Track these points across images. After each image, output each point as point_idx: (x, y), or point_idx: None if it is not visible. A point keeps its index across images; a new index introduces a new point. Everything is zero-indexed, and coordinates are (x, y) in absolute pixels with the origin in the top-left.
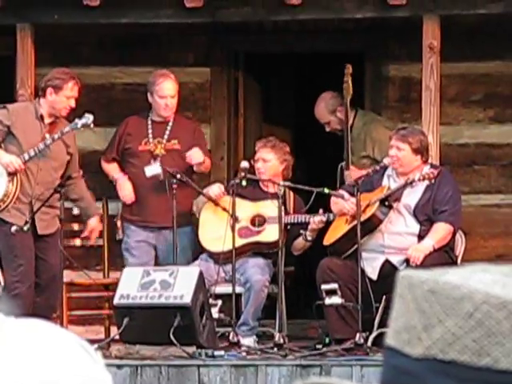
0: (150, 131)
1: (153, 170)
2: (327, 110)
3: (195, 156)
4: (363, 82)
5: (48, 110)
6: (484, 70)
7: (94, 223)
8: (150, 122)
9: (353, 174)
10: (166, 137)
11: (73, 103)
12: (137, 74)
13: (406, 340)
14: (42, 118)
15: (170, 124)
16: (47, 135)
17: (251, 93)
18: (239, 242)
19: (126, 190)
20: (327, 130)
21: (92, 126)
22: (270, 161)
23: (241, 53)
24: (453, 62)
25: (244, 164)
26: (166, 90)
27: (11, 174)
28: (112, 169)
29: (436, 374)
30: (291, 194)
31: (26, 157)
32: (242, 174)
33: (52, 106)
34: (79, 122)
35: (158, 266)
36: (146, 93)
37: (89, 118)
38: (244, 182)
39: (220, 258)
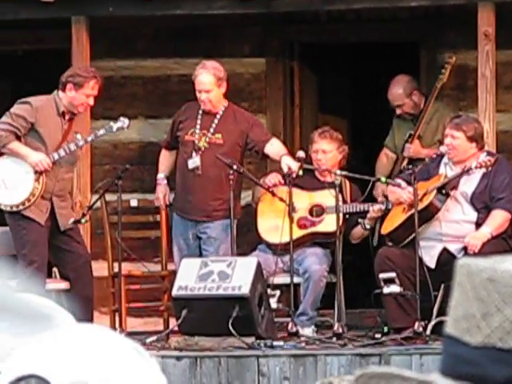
0: (198, 121)
1: (192, 163)
2: (404, 92)
3: (291, 164)
4: (419, 70)
5: (66, 106)
6: None
7: None
8: (200, 112)
9: (415, 149)
10: (211, 130)
11: (91, 101)
12: (192, 66)
13: (466, 328)
14: (63, 114)
15: (218, 117)
16: (79, 136)
17: (307, 83)
18: (298, 232)
19: (159, 194)
20: (398, 112)
21: (126, 129)
22: (331, 151)
23: (296, 43)
24: (508, 49)
25: (300, 154)
26: (200, 84)
27: (38, 173)
28: (160, 164)
29: (495, 362)
30: (347, 183)
31: (56, 157)
32: (299, 163)
33: (70, 102)
34: (114, 126)
35: (215, 257)
36: None
37: (124, 121)
38: (301, 172)
39: (278, 249)
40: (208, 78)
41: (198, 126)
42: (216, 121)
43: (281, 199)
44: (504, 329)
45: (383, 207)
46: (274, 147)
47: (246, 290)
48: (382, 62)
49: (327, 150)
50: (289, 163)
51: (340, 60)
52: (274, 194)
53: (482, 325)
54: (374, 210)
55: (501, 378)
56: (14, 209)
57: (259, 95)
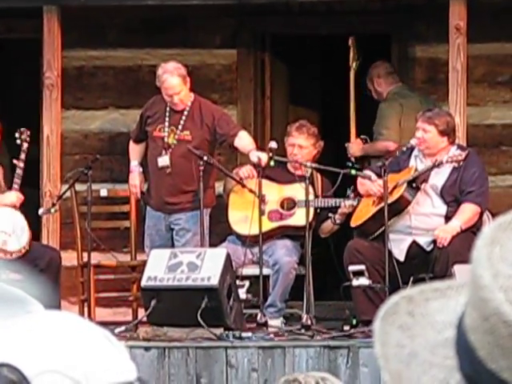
0: (167, 118)
1: (162, 161)
2: (368, 78)
3: (261, 155)
4: (390, 63)
5: None
6: (511, 50)
7: None
8: (168, 109)
9: (353, 146)
10: (180, 127)
11: None
12: (164, 56)
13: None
14: None
15: (186, 113)
16: None
17: (277, 74)
18: (269, 225)
19: (135, 180)
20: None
21: None
22: (307, 147)
23: (267, 34)
24: (479, 42)
25: (272, 144)
26: (169, 89)
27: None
28: (131, 153)
29: None
30: (319, 175)
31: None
32: (270, 154)
33: None
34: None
35: (184, 248)
36: None
37: None
38: (272, 163)
39: (248, 240)
40: (175, 81)
41: (166, 124)
42: (184, 117)
43: (251, 191)
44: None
45: (355, 203)
46: (242, 141)
47: (215, 281)
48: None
49: (303, 146)
50: (259, 154)
51: (311, 52)
52: (244, 186)
53: None
54: (346, 205)
55: None
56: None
57: (230, 86)
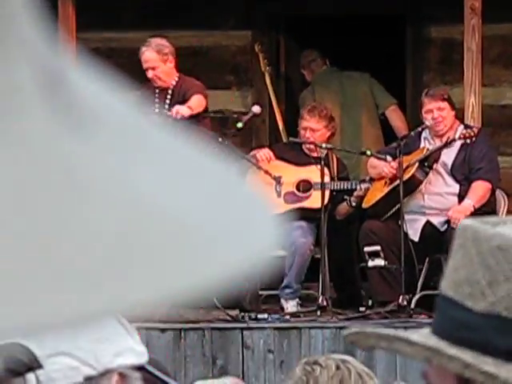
0: (156, 100)
1: None
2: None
3: (181, 110)
4: (404, 44)
5: None
6: None
7: None
8: (156, 90)
9: None
10: (166, 106)
11: None
12: (178, 38)
13: (467, 293)
14: None
15: (170, 92)
16: None
17: (292, 55)
18: (285, 207)
19: None
20: None
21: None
22: (319, 130)
23: (282, 16)
24: (494, 23)
25: (254, 109)
26: (145, 62)
27: None
28: None
29: (499, 331)
30: (334, 157)
31: None
32: (246, 117)
33: None
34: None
35: None
36: (187, 56)
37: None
38: (240, 124)
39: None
40: (151, 55)
41: (156, 104)
42: (169, 96)
43: (266, 172)
44: (511, 298)
45: (371, 186)
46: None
47: None
48: (368, 36)
49: (315, 129)
50: (178, 108)
51: (325, 33)
52: (260, 168)
53: (487, 292)
54: (362, 188)
55: (504, 347)
56: None
57: (245, 68)
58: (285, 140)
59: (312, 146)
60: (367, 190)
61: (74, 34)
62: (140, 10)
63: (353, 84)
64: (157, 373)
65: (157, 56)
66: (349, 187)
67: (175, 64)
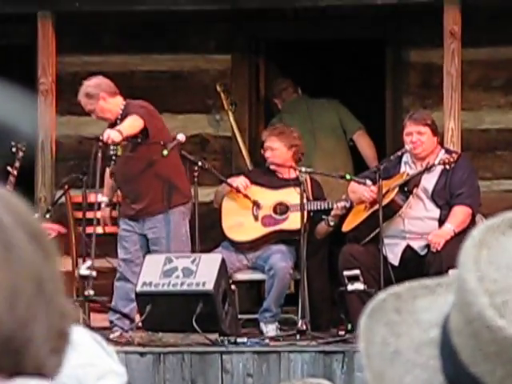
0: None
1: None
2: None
3: (111, 135)
4: (384, 68)
5: None
6: (505, 55)
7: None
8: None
9: None
10: None
11: None
12: (158, 62)
13: None
14: None
15: (118, 122)
16: None
17: (272, 79)
18: (263, 230)
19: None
20: None
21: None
22: (278, 149)
23: (262, 40)
24: (474, 47)
25: (179, 136)
26: (81, 102)
27: None
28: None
29: None
30: (308, 179)
31: None
32: (171, 144)
33: None
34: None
35: (179, 253)
36: (167, 80)
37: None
38: (165, 152)
39: (243, 248)
40: (83, 101)
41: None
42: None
43: (245, 196)
44: None
45: (347, 205)
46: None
47: (210, 286)
48: (346, 60)
49: (274, 148)
50: (109, 132)
51: (305, 57)
52: (239, 191)
53: None
54: (338, 207)
55: None
56: None
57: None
58: (250, 167)
59: (285, 169)
60: (344, 208)
61: (54, 57)
62: (120, 34)
63: (321, 111)
64: None
65: (87, 100)
66: (325, 207)
67: (119, 91)
